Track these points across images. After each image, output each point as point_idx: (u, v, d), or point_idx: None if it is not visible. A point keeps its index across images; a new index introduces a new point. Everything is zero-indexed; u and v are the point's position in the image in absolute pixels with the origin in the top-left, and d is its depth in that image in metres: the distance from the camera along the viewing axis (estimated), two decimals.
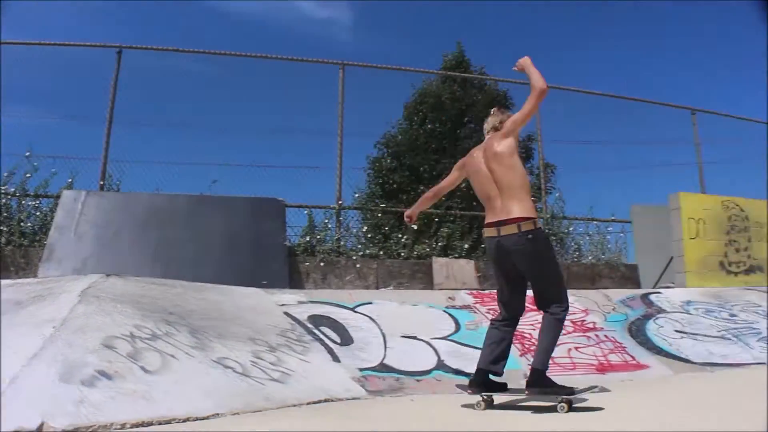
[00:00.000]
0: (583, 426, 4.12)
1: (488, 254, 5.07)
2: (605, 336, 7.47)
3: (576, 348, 7.01)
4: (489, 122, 5.23)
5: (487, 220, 4.94)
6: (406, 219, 5.71)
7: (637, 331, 7.82)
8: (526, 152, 17.59)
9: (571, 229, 11.56)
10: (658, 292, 9.50)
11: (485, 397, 4.84)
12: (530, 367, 4.81)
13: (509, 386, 5.08)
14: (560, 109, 12.71)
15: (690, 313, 8.80)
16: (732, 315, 9.13)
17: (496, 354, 4.88)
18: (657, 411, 4.66)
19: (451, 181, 5.44)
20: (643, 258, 11.03)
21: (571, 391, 4.61)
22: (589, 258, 11.34)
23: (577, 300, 8.34)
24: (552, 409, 4.57)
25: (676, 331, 8.09)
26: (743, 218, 11.47)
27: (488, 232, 4.91)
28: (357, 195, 10.50)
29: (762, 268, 11.44)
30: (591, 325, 7.67)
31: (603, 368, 6.73)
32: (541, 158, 12.58)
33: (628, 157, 13.34)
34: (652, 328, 8.02)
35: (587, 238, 11.75)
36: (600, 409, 4.66)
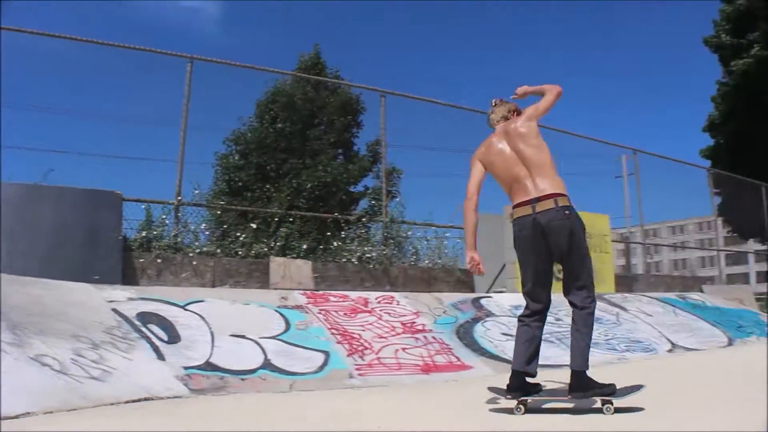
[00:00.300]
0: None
1: (519, 238, 4.85)
2: (433, 338, 7.81)
3: (403, 349, 7.29)
4: (497, 112, 5.29)
5: (518, 201, 4.81)
6: (473, 265, 5.10)
7: (465, 333, 8.22)
8: (373, 156, 18.00)
9: (409, 233, 11.92)
10: (489, 297, 10.00)
11: (523, 401, 4.67)
12: (570, 368, 4.68)
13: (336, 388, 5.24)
14: (407, 116, 13.01)
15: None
16: (558, 319, 9.68)
17: (529, 353, 4.78)
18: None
19: (482, 175, 5.14)
20: None
21: (612, 390, 4.57)
22: (426, 262, 11.74)
23: (409, 302, 8.68)
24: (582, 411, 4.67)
25: (503, 333, 8.53)
26: None
27: (520, 212, 4.78)
28: (197, 191, 10.38)
29: None
30: (420, 327, 8.00)
31: (428, 369, 7.03)
32: (384, 163, 12.87)
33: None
34: (479, 330, 8.43)
35: (425, 242, 12.17)
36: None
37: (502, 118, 5.24)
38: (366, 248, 10.74)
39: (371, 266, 10.45)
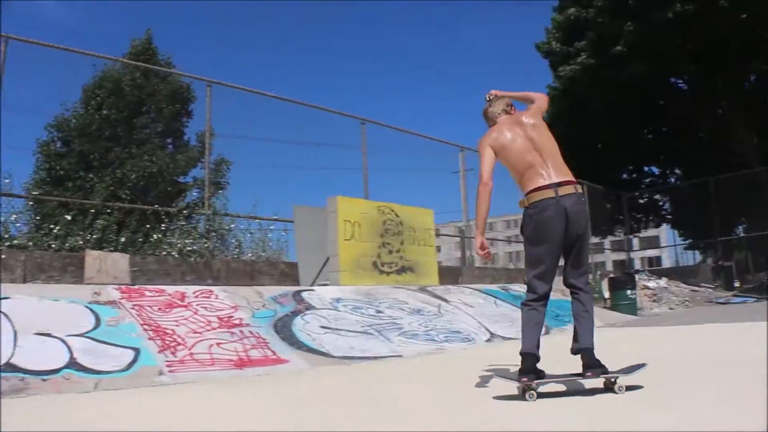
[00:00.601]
0: None
1: (538, 221, 4.89)
2: (250, 332, 7.83)
3: (218, 344, 7.27)
4: (496, 105, 5.47)
5: (536, 185, 4.91)
6: (481, 252, 5.20)
7: (283, 327, 8.30)
8: (203, 147, 17.73)
9: (233, 225, 11.85)
10: (311, 290, 10.12)
11: (533, 386, 4.56)
12: (580, 348, 4.78)
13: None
14: (239, 108, 12.90)
15: (338, 310, 9.50)
16: (378, 311, 9.95)
17: (537, 337, 4.81)
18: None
19: (494, 161, 5.19)
20: (303, 257, 11.61)
21: (626, 369, 4.77)
22: (249, 255, 11.70)
23: (227, 296, 8.66)
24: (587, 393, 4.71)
25: (322, 326, 8.66)
26: (397, 223, 12.58)
27: (540, 195, 4.86)
28: (8, 181, 9.86)
29: (412, 268, 12.57)
30: (237, 321, 8.01)
31: (242, 363, 7.05)
32: (207, 154, 12.69)
33: (302, 160, 13.90)
34: (298, 324, 8.52)
35: (249, 235, 12.14)
36: None
37: (502, 111, 5.46)
38: (187, 241, 10.57)
39: (192, 259, 10.31)
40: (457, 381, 5.92)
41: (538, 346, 4.79)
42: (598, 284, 21.37)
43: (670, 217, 35.67)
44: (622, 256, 31.97)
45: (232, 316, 8.12)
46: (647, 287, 22.14)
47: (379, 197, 13.24)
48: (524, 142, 5.08)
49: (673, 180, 34.79)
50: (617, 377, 4.63)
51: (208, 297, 8.52)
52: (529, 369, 4.66)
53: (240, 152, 13.73)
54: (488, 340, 10.17)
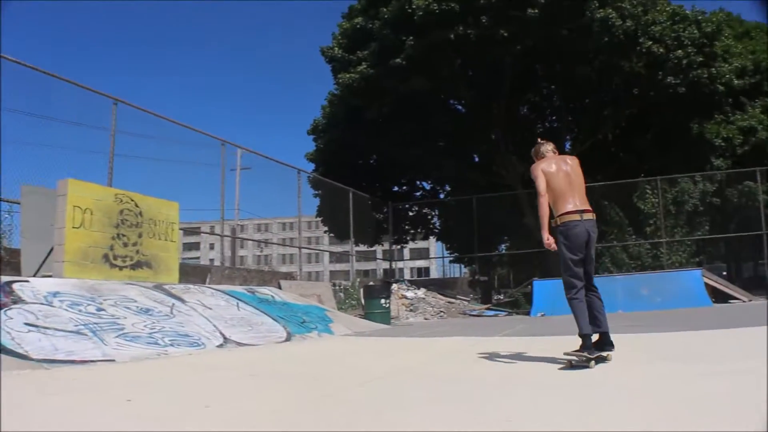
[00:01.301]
0: None
1: (572, 234, 6.84)
2: None
3: None
4: (546, 146, 7.54)
5: (568, 209, 6.90)
6: (548, 241, 6.95)
7: None
8: None
9: None
10: (25, 281, 9.35)
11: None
12: (604, 331, 6.83)
13: None
14: None
15: (53, 306, 8.82)
16: (100, 309, 9.34)
17: (588, 320, 6.70)
18: None
19: (546, 180, 7.06)
20: (27, 243, 10.79)
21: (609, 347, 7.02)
22: None
23: None
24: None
25: (27, 323, 7.96)
26: (136, 214, 12.01)
27: (572, 216, 6.86)
28: None
29: (150, 264, 12.10)
30: None
31: None
32: None
33: (41, 136, 12.84)
34: None
35: None
36: None
37: (551, 150, 7.48)
38: None
39: None
40: (153, 392, 5.72)
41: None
42: (356, 291, 21.80)
43: (437, 230, 37.35)
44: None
45: None
46: (405, 297, 22.91)
47: (132, 188, 12.54)
48: (565, 175, 7.07)
49: (442, 196, 36.48)
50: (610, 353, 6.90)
51: None
52: (590, 345, 6.58)
53: None
54: (220, 346, 9.90)
